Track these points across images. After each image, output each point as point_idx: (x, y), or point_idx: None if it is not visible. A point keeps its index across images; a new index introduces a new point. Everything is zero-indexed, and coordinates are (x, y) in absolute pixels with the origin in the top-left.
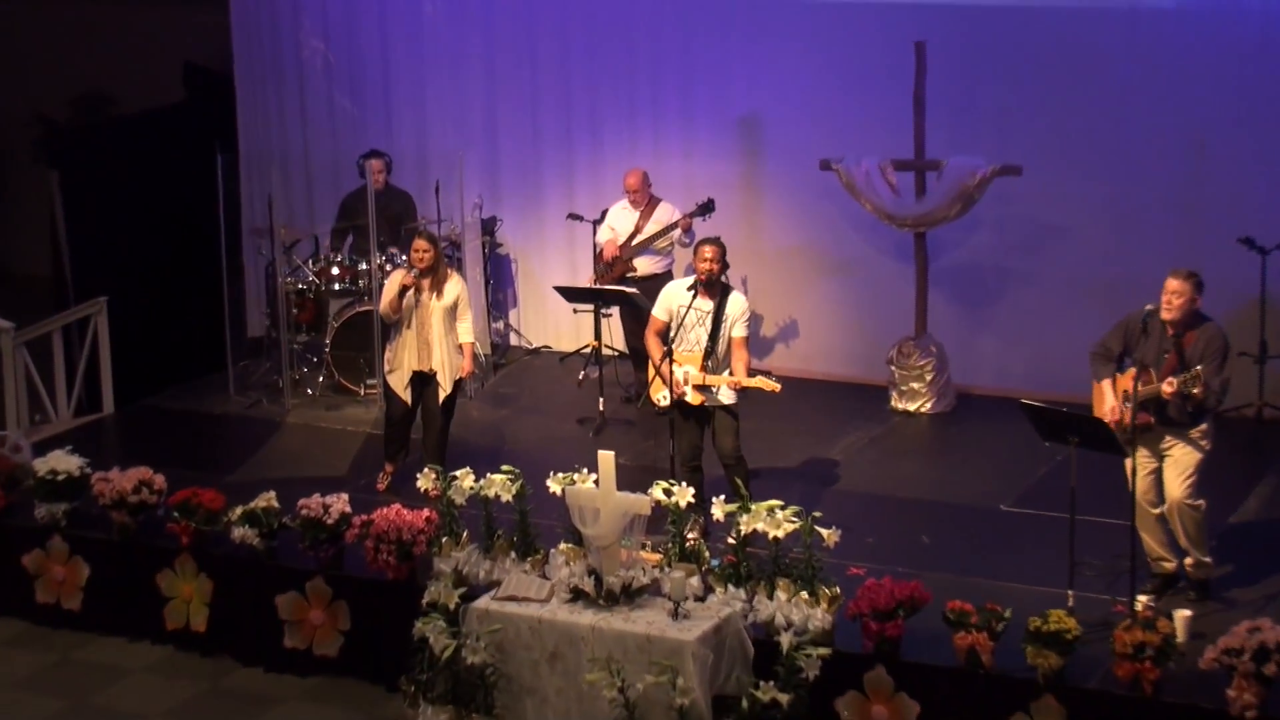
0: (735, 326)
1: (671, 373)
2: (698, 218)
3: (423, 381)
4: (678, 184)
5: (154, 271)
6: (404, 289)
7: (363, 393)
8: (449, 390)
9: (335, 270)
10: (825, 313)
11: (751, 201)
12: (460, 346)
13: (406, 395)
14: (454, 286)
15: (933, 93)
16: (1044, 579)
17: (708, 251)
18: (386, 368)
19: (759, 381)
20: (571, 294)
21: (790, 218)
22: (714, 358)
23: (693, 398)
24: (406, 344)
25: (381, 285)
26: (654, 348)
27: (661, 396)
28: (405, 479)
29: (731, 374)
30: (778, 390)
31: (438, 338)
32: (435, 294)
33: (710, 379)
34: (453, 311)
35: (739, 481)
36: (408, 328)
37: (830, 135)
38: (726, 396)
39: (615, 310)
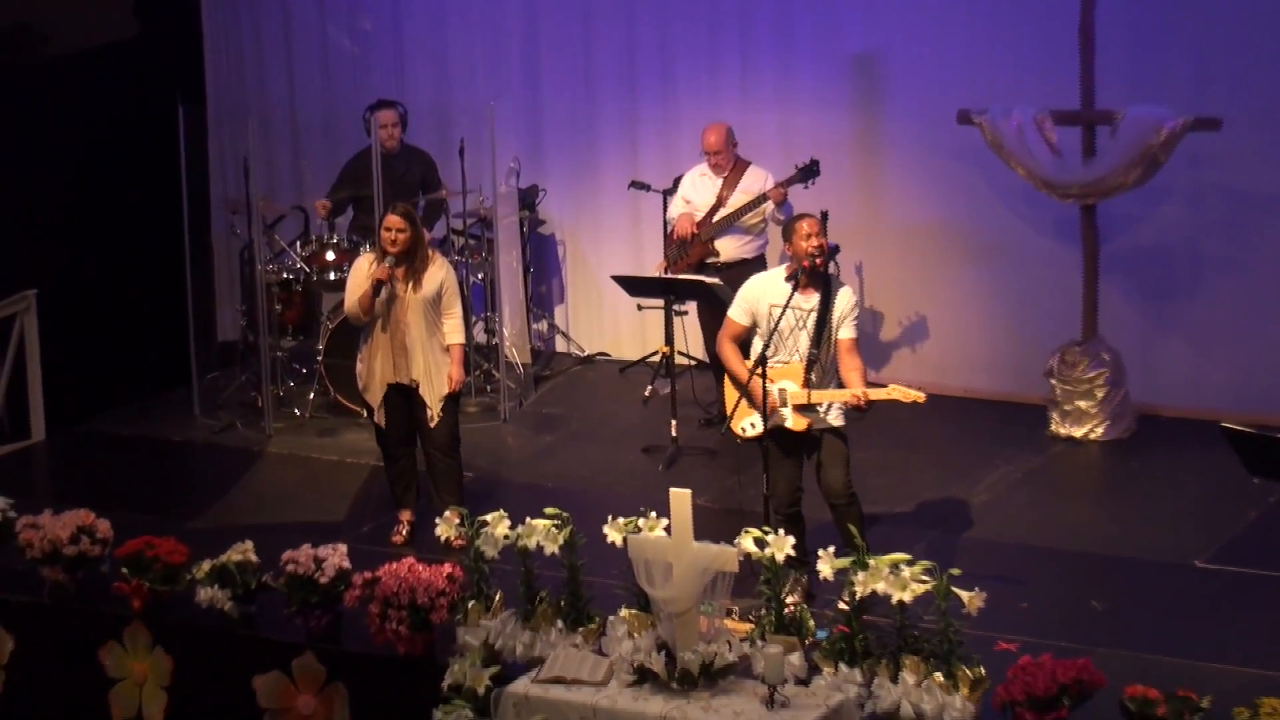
0: (844, 325)
1: (765, 392)
2: (797, 185)
3: (405, 397)
4: (772, 143)
5: (97, 257)
6: (377, 284)
7: (365, 414)
8: (437, 410)
9: (330, 255)
10: (965, 311)
11: (868, 166)
12: (447, 349)
13: (381, 417)
14: (437, 272)
15: (1104, 24)
16: (1253, 657)
17: (816, 229)
18: (359, 383)
19: (895, 392)
20: (635, 285)
21: (918, 186)
22: (819, 368)
23: (793, 423)
24: (379, 350)
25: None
26: (732, 360)
27: (748, 425)
28: (422, 526)
29: (846, 386)
30: (922, 400)
31: (418, 340)
32: (413, 285)
33: (819, 395)
34: (436, 304)
35: (852, 528)
36: (380, 330)
37: (971, 79)
38: (835, 417)
39: (692, 307)
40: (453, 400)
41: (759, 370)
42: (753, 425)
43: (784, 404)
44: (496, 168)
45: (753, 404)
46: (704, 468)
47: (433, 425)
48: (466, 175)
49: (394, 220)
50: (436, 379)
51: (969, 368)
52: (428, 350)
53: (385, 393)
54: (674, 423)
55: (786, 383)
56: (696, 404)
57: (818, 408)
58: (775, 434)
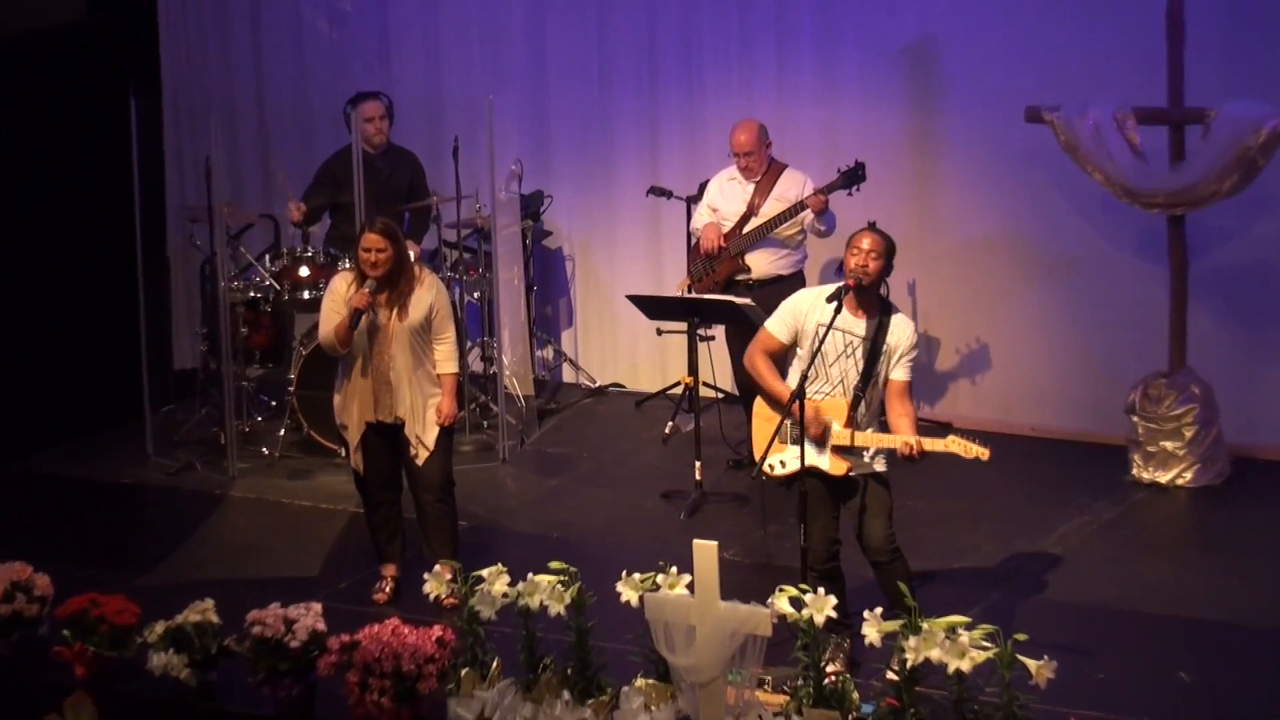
0: (898, 364)
1: (803, 424)
2: (840, 192)
3: (387, 436)
4: (811, 143)
5: (36, 271)
6: (355, 313)
7: (343, 452)
8: (430, 448)
9: (304, 270)
10: (1033, 337)
11: (921, 170)
12: (439, 380)
13: (358, 461)
14: (425, 294)
15: (1195, 9)
16: None
17: (864, 242)
18: (336, 417)
19: (954, 445)
20: (654, 306)
21: (979, 194)
22: (866, 406)
23: (831, 465)
24: (357, 385)
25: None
26: (766, 375)
27: (778, 463)
28: (408, 582)
29: (893, 432)
30: (985, 457)
31: (404, 374)
32: (398, 311)
33: (865, 439)
34: (425, 331)
35: (902, 586)
36: (360, 363)
37: (1041, 71)
38: (879, 461)
39: (719, 331)
40: (446, 436)
41: (797, 400)
42: (783, 463)
43: (823, 444)
44: (495, 171)
45: (791, 432)
46: (732, 516)
47: (421, 464)
48: (461, 179)
49: (373, 239)
50: (425, 416)
51: (1037, 403)
52: (415, 385)
53: (364, 432)
54: (698, 465)
55: (828, 419)
56: (724, 443)
57: (862, 452)
58: (811, 476)
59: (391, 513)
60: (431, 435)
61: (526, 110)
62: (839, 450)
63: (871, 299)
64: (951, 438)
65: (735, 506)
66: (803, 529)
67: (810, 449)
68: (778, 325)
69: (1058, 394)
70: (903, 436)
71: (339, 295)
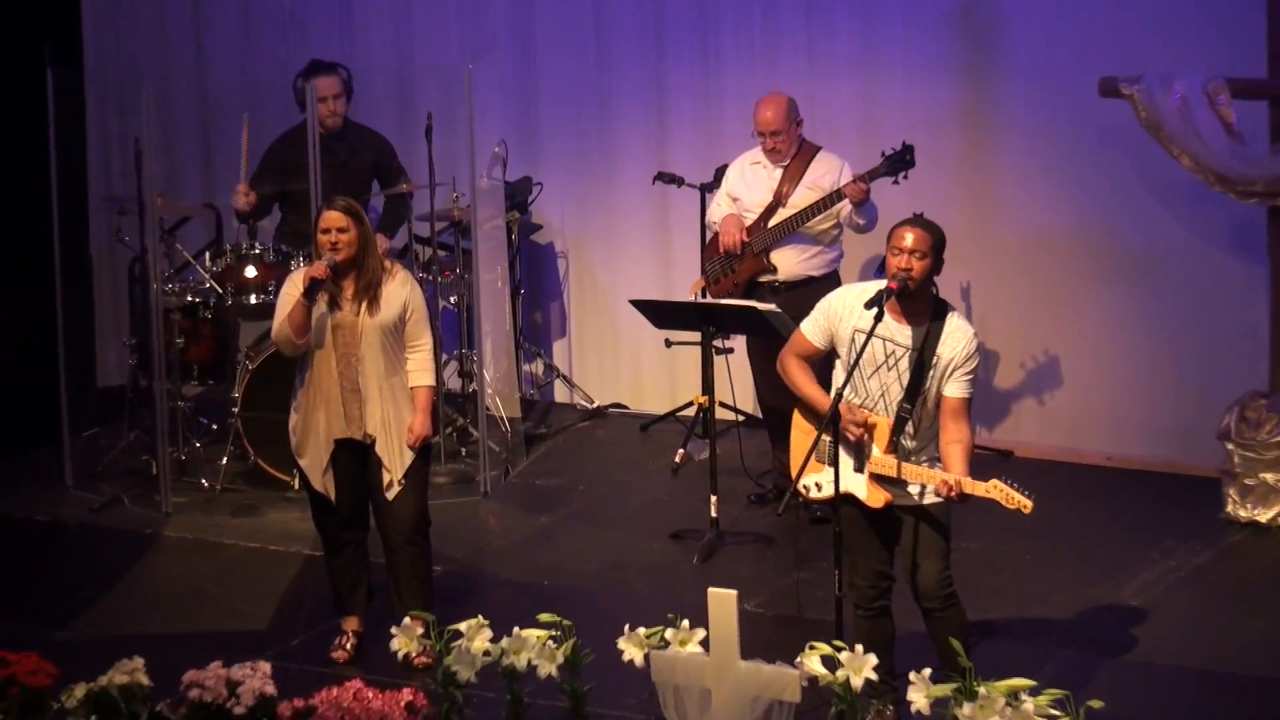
0: (952, 379)
1: (836, 435)
2: (884, 179)
3: (359, 459)
4: (849, 123)
5: None
6: (313, 284)
7: (296, 484)
8: (399, 476)
9: (251, 271)
10: (1108, 349)
11: (978, 154)
12: (412, 393)
13: (328, 485)
14: (399, 290)
15: None
16: None
17: (907, 238)
18: (292, 440)
19: (995, 492)
20: (662, 313)
21: (1045, 182)
22: (913, 428)
23: (869, 496)
24: (321, 395)
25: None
26: (800, 380)
27: (813, 484)
28: (374, 637)
29: (943, 466)
30: (1027, 510)
31: (376, 381)
32: (366, 304)
33: (909, 471)
34: (398, 333)
35: (954, 642)
36: (323, 366)
37: (1117, 38)
38: (929, 492)
39: (739, 343)
40: (422, 464)
41: (831, 421)
42: (819, 485)
43: (859, 470)
44: (476, 154)
45: (830, 451)
46: (755, 561)
47: (392, 498)
48: (435, 164)
49: (334, 217)
50: (400, 435)
51: (1114, 427)
52: (388, 395)
53: (332, 453)
54: (714, 499)
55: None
56: (745, 474)
57: (908, 483)
58: (852, 502)
59: (356, 556)
60: (404, 463)
61: (511, 82)
62: (878, 479)
63: (920, 302)
64: (994, 482)
65: (759, 549)
66: (836, 576)
67: (846, 471)
68: (812, 327)
69: (1138, 417)
70: (942, 475)
71: (297, 282)
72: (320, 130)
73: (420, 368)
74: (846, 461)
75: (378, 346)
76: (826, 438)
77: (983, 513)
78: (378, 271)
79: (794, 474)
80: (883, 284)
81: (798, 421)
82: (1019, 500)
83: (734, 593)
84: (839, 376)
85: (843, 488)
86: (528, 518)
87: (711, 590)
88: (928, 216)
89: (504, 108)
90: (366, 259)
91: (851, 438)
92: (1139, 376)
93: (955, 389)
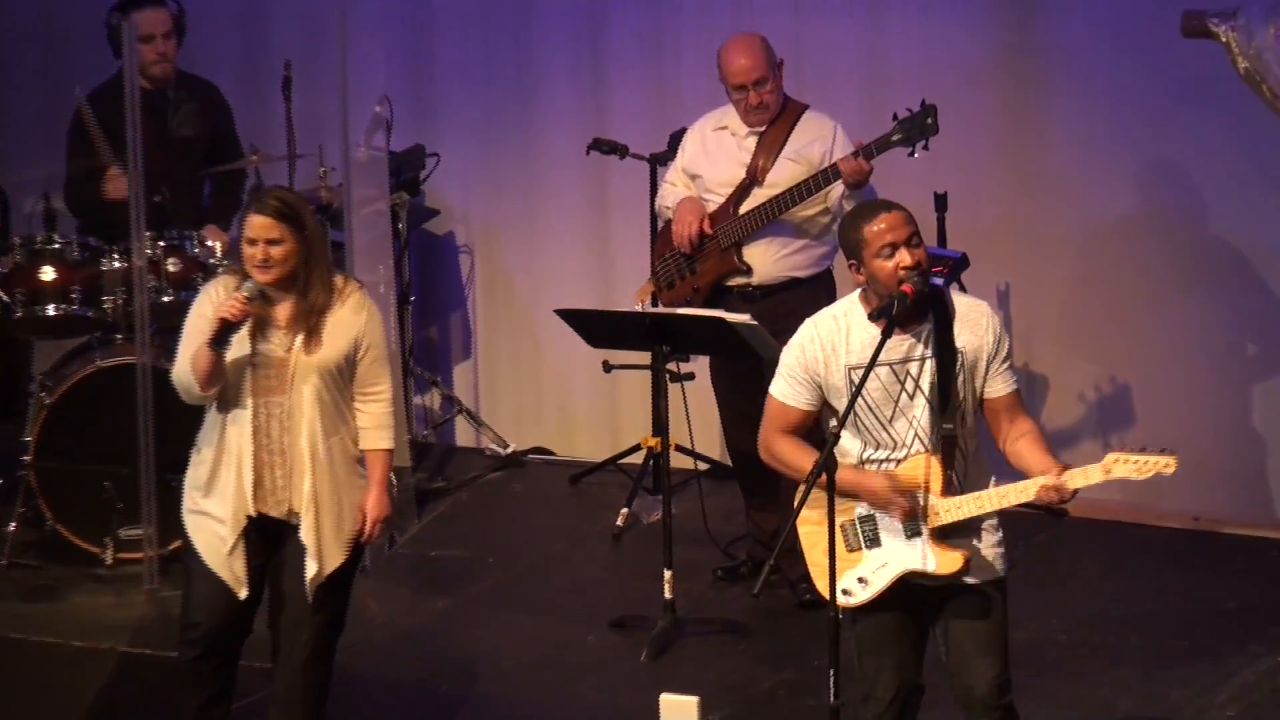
0: (989, 376)
1: (831, 491)
2: (897, 149)
3: (270, 539)
4: (847, 77)
5: None
6: (223, 328)
7: (111, 557)
8: (337, 562)
9: (49, 272)
10: (1193, 375)
11: (1020, 118)
12: (360, 461)
13: (237, 575)
14: (352, 320)
15: None
16: None
17: (885, 226)
18: (189, 504)
19: (1122, 466)
20: (599, 327)
21: (1107, 154)
22: (962, 456)
23: (940, 563)
24: (232, 452)
25: (163, 312)
26: (793, 461)
27: (855, 585)
28: None
29: (1025, 466)
30: (1172, 469)
31: (311, 440)
32: (304, 337)
33: (988, 499)
34: (344, 377)
35: None
36: (237, 417)
37: None
38: (995, 557)
39: (701, 365)
40: (352, 564)
41: (822, 475)
42: (863, 581)
43: (916, 530)
44: (350, 115)
45: (861, 531)
46: (721, 656)
47: (310, 600)
48: (295, 128)
49: (262, 224)
50: (335, 517)
51: (1200, 478)
52: (323, 462)
53: (243, 529)
54: (667, 575)
55: (913, 489)
56: (710, 540)
57: (975, 533)
58: (889, 596)
59: (228, 668)
60: (337, 557)
61: (397, 22)
62: (944, 534)
63: (922, 305)
64: (1109, 458)
65: (727, 641)
66: (838, 661)
67: (895, 547)
68: (786, 389)
69: (1232, 466)
70: (1037, 481)
71: (208, 318)
72: (143, 82)
73: (376, 424)
74: (891, 532)
75: (314, 394)
76: (853, 517)
77: (1034, 594)
78: (323, 294)
79: (820, 579)
80: (853, 301)
81: (804, 518)
82: (1155, 463)
83: (694, 700)
84: (847, 438)
85: (900, 570)
86: (420, 601)
87: (664, 697)
88: (954, 198)
89: (388, 53)
90: (309, 276)
91: (899, 515)
92: (1231, 410)
93: (998, 385)
